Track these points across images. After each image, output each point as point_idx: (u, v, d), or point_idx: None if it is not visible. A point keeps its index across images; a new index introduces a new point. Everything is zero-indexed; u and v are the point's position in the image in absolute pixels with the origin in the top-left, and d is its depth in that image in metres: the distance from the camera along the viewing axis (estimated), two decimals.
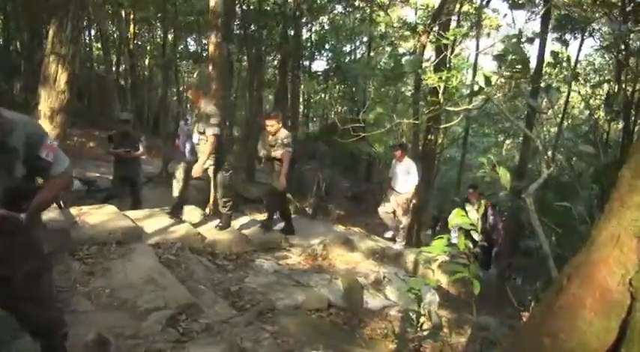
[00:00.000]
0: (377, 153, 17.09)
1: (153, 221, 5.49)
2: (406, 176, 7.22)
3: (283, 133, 5.99)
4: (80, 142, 13.81)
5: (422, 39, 9.91)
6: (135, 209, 6.42)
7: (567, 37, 12.06)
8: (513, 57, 2.45)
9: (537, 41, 8.44)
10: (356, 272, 5.63)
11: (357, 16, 17.07)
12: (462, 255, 2.76)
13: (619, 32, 6.06)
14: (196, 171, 5.36)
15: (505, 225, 8.62)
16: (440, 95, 2.78)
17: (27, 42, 8.60)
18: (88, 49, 19.29)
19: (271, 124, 5.93)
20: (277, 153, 6.00)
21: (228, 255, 5.34)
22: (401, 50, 20.21)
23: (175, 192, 5.64)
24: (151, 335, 3.15)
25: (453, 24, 11.63)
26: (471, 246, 2.55)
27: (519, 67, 2.53)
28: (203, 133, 5.32)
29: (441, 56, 8.37)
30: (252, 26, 14.65)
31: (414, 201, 7.47)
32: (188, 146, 6.19)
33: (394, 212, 7.35)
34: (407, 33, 17.21)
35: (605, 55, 16.24)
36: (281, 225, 6.63)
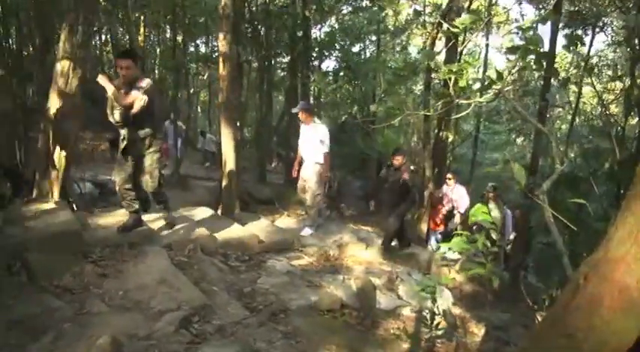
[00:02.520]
0: (387, 152, 17.06)
1: (165, 223, 5.50)
2: (317, 143, 6.43)
3: (145, 82, 4.40)
4: (92, 145, 13.92)
5: (432, 33, 9.87)
6: (144, 211, 6.23)
7: (578, 33, 11.92)
8: (529, 46, 2.41)
9: (548, 35, 8.35)
10: (369, 272, 5.61)
11: (366, 15, 17.02)
12: (479, 253, 2.73)
13: (633, 24, 5.97)
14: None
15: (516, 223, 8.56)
16: (451, 88, 2.76)
17: (39, 47, 8.71)
18: (98, 53, 19.44)
19: (127, 66, 4.31)
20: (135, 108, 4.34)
21: (241, 256, 5.35)
22: (411, 48, 20.20)
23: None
24: (164, 336, 3.16)
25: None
26: (489, 244, 2.52)
27: (534, 57, 2.49)
28: None
29: (451, 43, 8.34)
30: (260, 27, 14.67)
31: (327, 174, 6.76)
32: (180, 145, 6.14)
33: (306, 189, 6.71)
34: (416, 30, 17.15)
35: (618, 50, 16.07)
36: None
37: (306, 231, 6.68)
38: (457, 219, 8.78)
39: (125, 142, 4.44)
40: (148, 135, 4.52)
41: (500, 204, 8.13)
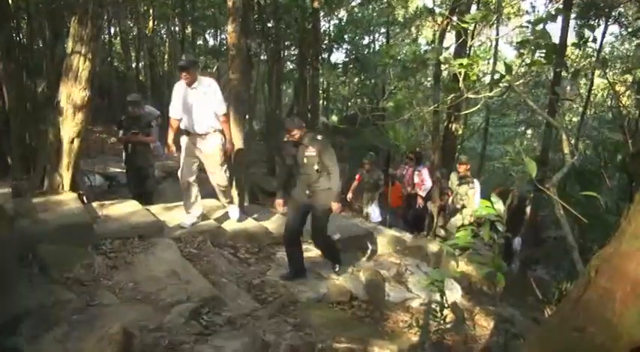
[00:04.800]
0: (396, 143, 17.02)
1: (174, 215, 5.53)
2: (211, 105, 4.91)
3: None
4: (101, 138, 14.01)
5: (442, 25, 9.79)
6: (147, 203, 5.93)
7: (591, 23, 11.77)
8: (538, 41, 2.39)
9: (559, 27, 8.24)
10: (378, 265, 5.61)
11: (376, 7, 16.93)
12: (485, 246, 2.70)
13: None
14: None
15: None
16: (460, 82, 2.74)
17: (49, 41, 8.76)
18: (108, 46, 19.49)
19: None
20: None
21: (250, 248, 5.36)
22: (420, 40, 20.07)
23: None
24: (174, 328, 3.18)
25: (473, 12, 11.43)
26: (495, 237, 2.50)
27: (544, 51, 2.46)
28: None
29: (461, 40, 8.27)
30: (269, 20, 14.65)
31: (227, 146, 5.20)
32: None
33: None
34: (425, 22, 17.04)
35: (626, 42, 15.89)
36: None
37: (235, 214, 5.64)
38: (420, 201, 8.68)
39: None
40: None
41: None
